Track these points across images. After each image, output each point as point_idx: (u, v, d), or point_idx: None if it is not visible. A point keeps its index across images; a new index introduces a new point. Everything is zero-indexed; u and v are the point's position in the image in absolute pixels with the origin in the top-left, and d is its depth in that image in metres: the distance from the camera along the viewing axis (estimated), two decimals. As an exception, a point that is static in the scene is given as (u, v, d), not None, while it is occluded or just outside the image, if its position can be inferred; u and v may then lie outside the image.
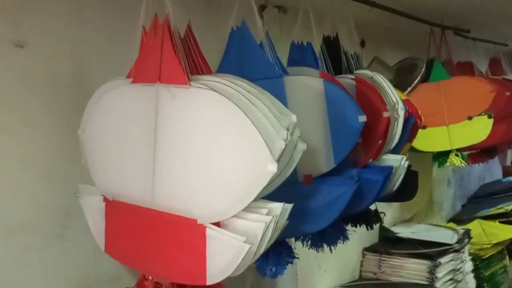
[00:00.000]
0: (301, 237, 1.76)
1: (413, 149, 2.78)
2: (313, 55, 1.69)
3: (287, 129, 1.07)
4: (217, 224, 1.09)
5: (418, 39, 3.19)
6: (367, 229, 1.94)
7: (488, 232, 3.62)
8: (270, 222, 1.06)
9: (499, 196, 4.45)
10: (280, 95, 1.41)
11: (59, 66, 1.52)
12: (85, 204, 1.38)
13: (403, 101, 1.68)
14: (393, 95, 1.60)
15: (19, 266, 1.42)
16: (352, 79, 1.64)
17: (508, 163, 6.20)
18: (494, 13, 3.11)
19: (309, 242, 1.74)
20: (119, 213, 1.28)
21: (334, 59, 1.83)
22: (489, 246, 3.34)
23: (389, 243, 3.02)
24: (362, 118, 1.39)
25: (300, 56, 1.71)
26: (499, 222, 3.88)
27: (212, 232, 1.07)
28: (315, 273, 2.59)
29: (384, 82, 1.65)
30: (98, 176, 1.34)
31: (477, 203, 4.49)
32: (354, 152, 1.55)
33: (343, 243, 1.77)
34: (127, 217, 1.26)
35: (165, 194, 1.16)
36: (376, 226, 3.13)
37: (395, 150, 1.71)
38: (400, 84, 2.66)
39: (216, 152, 1.07)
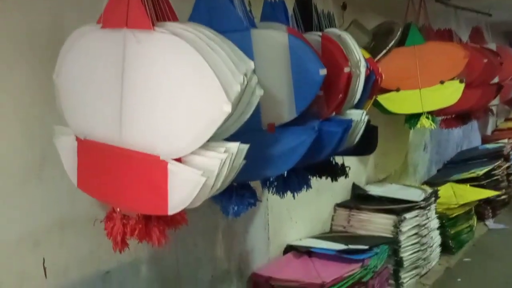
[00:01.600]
0: (268, 183, 1.89)
1: (386, 111, 2.90)
2: (284, 12, 1.76)
3: (245, 75, 1.16)
4: (179, 160, 1.20)
5: (399, 4, 3.23)
6: (332, 180, 2.07)
7: (458, 194, 3.79)
8: (226, 159, 1.17)
9: (474, 162, 4.61)
10: (247, 47, 1.49)
11: (36, 17, 1.56)
12: (59, 143, 1.47)
13: (366, 59, 1.77)
14: (357, 53, 1.69)
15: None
16: (319, 36, 1.72)
17: (488, 133, 6.35)
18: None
19: (274, 189, 1.87)
20: (90, 151, 1.38)
21: (306, 18, 1.90)
22: (456, 206, 3.52)
23: (359, 200, 3.18)
24: (323, 71, 1.47)
25: (272, 12, 1.78)
26: (470, 185, 4.06)
27: (173, 167, 1.18)
28: (286, 224, 2.74)
29: (349, 41, 1.73)
30: (71, 117, 1.42)
31: (452, 168, 4.66)
32: (317, 105, 1.65)
33: (306, 191, 1.89)
34: (97, 155, 1.35)
35: (131, 133, 1.26)
36: (347, 182, 3.30)
37: (358, 106, 1.81)
38: (377, 47, 2.74)
39: (177, 94, 1.16)
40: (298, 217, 2.82)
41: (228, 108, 1.09)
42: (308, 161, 1.68)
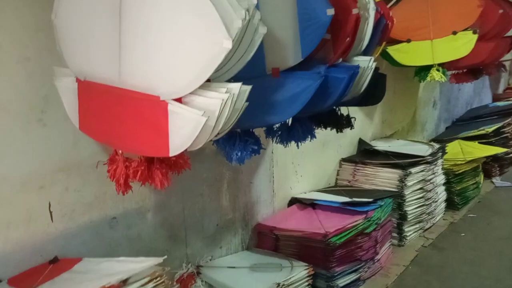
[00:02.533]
0: (272, 132, 1.86)
1: (395, 63, 2.82)
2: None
3: (247, 10, 1.11)
4: (179, 101, 1.17)
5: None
6: (337, 131, 2.04)
7: (465, 151, 3.75)
8: (227, 100, 1.14)
9: (484, 120, 4.54)
10: (251, -14, 1.43)
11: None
12: (60, 85, 1.45)
13: (376, 2, 1.69)
14: (367, -5, 1.61)
15: (1, 148, 1.50)
16: (327, -24, 1.64)
17: (500, 91, 6.22)
18: None
19: (278, 138, 1.85)
20: (90, 93, 1.36)
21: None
22: (463, 162, 3.48)
23: (365, 155, 3.15)
24: (330, 12, 1.41)
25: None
26: (479, 142, 4.01)
27: (173, 108, 1.16)
28: (291, 178, 2.74)
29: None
30: (70, 58, 1.40)
31: (461, 126, 4.59)
32: (323, 50, 1.60)
33: (310, 141, 1.87)
34: (98, 96, 1.34)
35: (131, 73, 1.23)
36: (353, 138, 3.28)
37: (366, 53, 1.75)
38: (388, -5, 2.63)
39: (177, 30, 1.11)
40: (303, 171, 2.82)
41: (228, 44, 1.05)
42: (313, 109, 1.64)
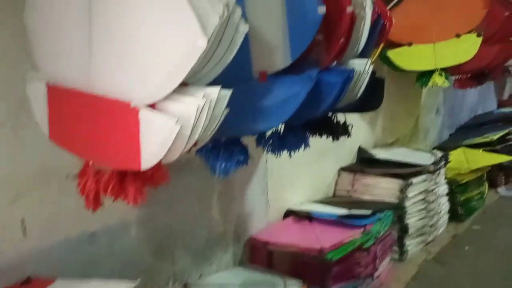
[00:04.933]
0: (263, 141, 1.74)
1: (396, 68, 2.70)
2: None
3: (225, 5, 0.99)
4: (152, 107, 1.05)
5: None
6: (333, 139, 1.92)
7: (470, 159, 3.62)
8: (204, 105, 1.02)
9: (488, 126, 4.41)
10: (235, -18, 1.32)
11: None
12: (30, 90, 1.33)
13: (373, 1, 1.57)
14: (363, -8, 1.49)
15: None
16: (320, -27, 1.52)
17: (505, 97, 6.09)
18: None
19: (270, 147, 1.73)
20: (61, 98, 1.24)
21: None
22: (467, 171, 3.36)
23: (365, 164, 3.03)
24: (322, 10, 1.30)
25: None
26: (484, 150, 3.87)
27: (145, 114, 1.04)
28: (287, 188, 2.62)
29: (355, -21, 1.53)
30: (41, 61, 1.28)
31: (465, 133, 4.47)
32: (315, 51, 1.48)
33: (304, 150, 1.75)
34: (68, 102, 1.22)
35: (100, 76, 1.11)
36: (353, 146, 3.15)
37: (362, 55, 1.63)
38: (388, -4, 2.52)
39: (147, 29, 1.00)
40: (299, 181, 2.69)
41: (203, 43, 0.93)
42: (305, 115, 1.52)
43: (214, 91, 1.04)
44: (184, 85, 1.04)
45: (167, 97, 1.03)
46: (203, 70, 1.09)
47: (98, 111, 1.14)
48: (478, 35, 2.52)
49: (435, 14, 2.53)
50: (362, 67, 1.57)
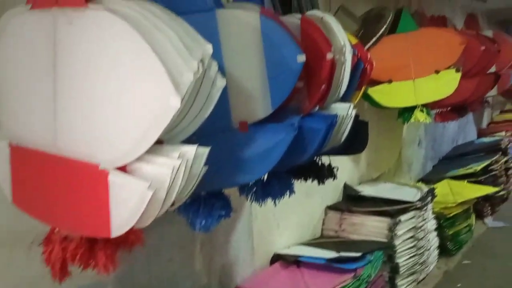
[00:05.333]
0: (245, 190, 1.66)
1: (377, 105, 2.69)
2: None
3: (200, 61, 0.93)
4: (123, 169, 0.97)
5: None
6: (318, 183, 1.85)
7: (455, 192, 3.59)
8: (180, 167, 0.94)
9: (470, 157, 4.43)
10: (212, 31, 1.27)
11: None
12: (-9, 150, 1.23)
13: (353, 45, 1.55)
14: (342, 38, 1.46)
15: None
16: (299, 19, 1.49)
17: (484, 126, 6.17)
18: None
19: (254, 196, 1.65)
20: (24, 160, 1.15)
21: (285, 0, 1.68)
22: (454, 205, 3.32)
23: (351, 201, 2.96)
24: (301, 58, 1.25)
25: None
26: (468, 182, 3.86)
27: (115, 178, 0.95)
28: (273, 231, 2.52)
29: (333, 24, 1.51)
30: (3, 119, 1.19)
31: (447, 164, 4.47)
32: (296, 99, 1.43)
33: (289, 197, 1.67)
34: (32, 164, 1.13)
35: (67, 137, 1.03)
36: (338, 183, 3.09)
37: (344, 99, 1.59)
38: (366, 35, 2.52)
39: (116, 85, 0.93)
40: (286, 222, 2.60)
41: (176, 102, 0.86)
42: (289, 163, 1.46)
43: (191, 150, 0.97)
44: (158, 143, 0.97)
45: (139, 158, 0.95)
46: (178, 127, 1.01)
47: (65, 174, 1.05)
48: (457, 71, 2.54)
49: (413, 51, 2.54)
50: (345, 111, 1.53)
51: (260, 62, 1.27)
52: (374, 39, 2.41)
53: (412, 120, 2.63)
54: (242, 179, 1.36)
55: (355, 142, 1.71)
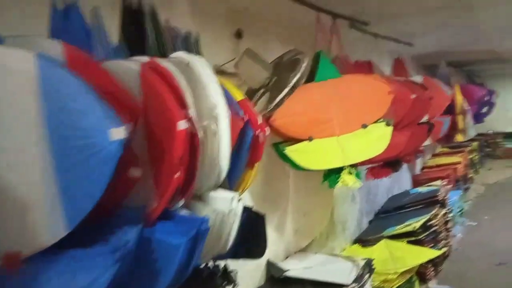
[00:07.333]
0: None
1: (297, 167, 2.18)
2: (81, 23, 0.97)
3: None
4: None
5: (307, 29, 2.62)
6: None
7: (395, 257, 3.14)
8: None
9: (407, 210, 4.08)
10: None
11: None
12: None
13: (238, 102, 1.02)
14: (213, 93, 0.93)
15: None
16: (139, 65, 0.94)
17: (417, 172, 5.97)
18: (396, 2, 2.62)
19: None
20: None
21: (138, 36, 1.13)
22: (395, 276, 2.85)
23: (275, 285, 2.38)
24: (119, 133, 0.69)
25: (65, 24, 0.99)
26: (408, 242, 3.45)
27: None
28: None
29: (204, 73, 0.97)
30: None
31: (384, 219, 4.07)
32: (137, 195, 0.85)
33: None
34: None
35: None
36: (261, 261, 2.53)
37: (230, 183, 1.04)
38: (279, 83, 2.04)
39: None
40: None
41: None
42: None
43: None
44: None
45: None
46: None
47: None
48: (388, 124, 2.13)
49: (336, 103, 2.10)
50: (226, 205, 0.97)
51: (38, 139, 0.69)
52: (287, 89, 1.93)
53: (339, 185, 2.15)
54: None
55: (250, 245, 1.14)
